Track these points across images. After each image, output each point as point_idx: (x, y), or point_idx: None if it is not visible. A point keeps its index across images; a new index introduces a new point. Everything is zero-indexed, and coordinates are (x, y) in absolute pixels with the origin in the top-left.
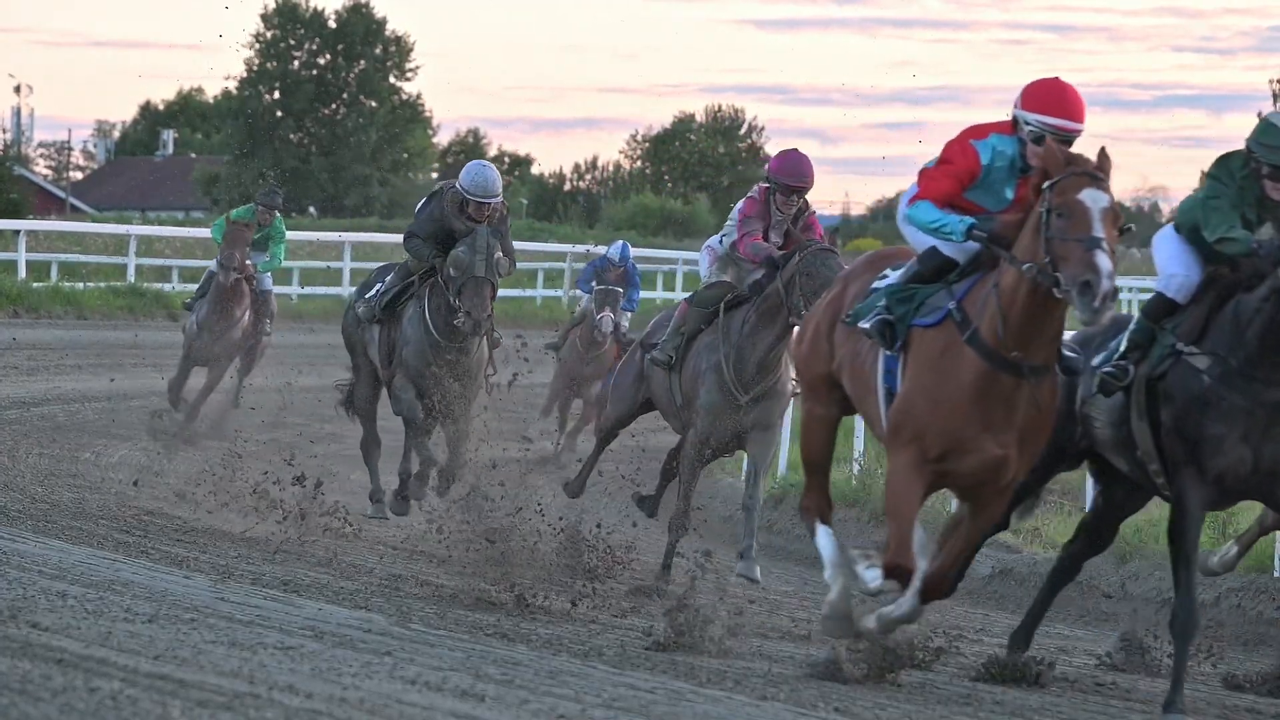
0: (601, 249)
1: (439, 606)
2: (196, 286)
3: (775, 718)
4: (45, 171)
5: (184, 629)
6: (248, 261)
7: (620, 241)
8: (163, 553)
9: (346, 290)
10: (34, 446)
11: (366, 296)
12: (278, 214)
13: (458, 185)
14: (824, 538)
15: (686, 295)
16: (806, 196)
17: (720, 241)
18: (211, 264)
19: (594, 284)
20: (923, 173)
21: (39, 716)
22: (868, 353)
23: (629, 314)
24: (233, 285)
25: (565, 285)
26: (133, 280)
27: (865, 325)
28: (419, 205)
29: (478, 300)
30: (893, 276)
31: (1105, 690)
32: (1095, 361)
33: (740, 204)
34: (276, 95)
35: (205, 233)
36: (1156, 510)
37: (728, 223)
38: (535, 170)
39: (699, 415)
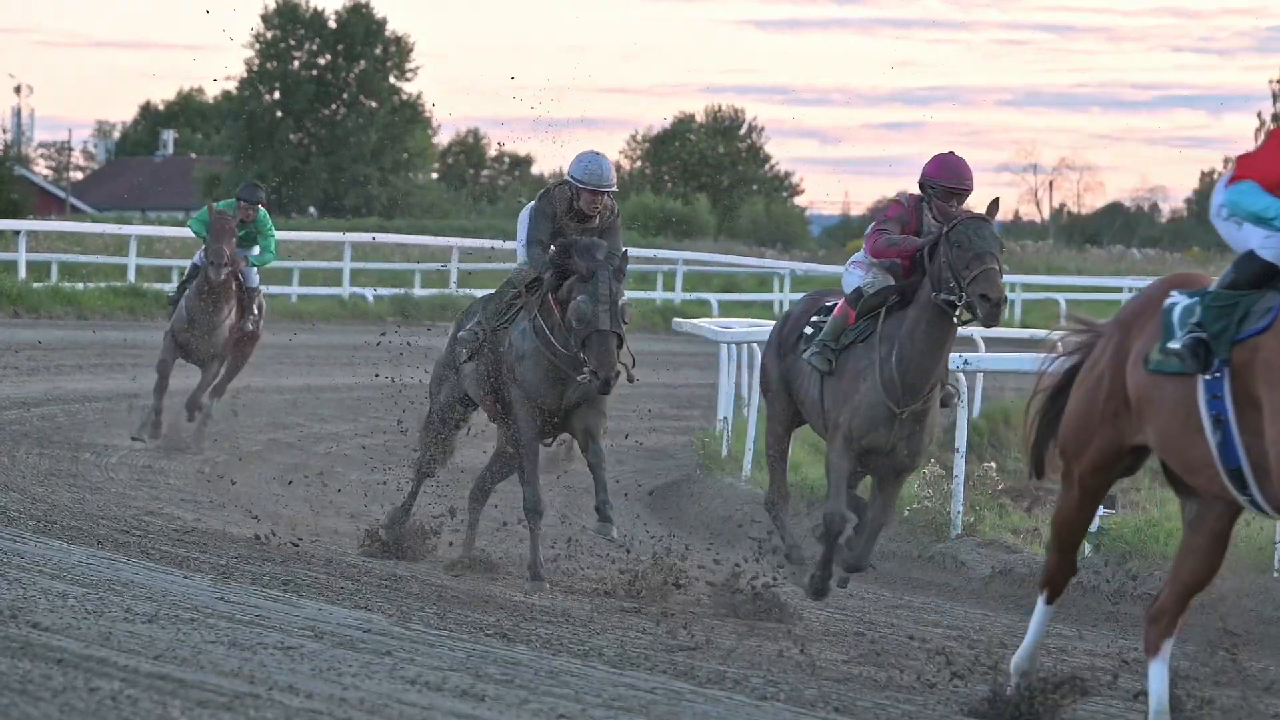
0: None
1: (439, 606)
2: (183, 279)
3: (775, 718)
4: (45, 171)
5: (184, 629)
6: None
7: None
8: (163, 553)
9: (347, 290)
10: (34, 446)
11: (468, 326)
12: (262, 209)
13: (568, 177)
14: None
15: (844, 294)
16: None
17: (865, 255)
18: (196, 257)
19: None
20: (1241, 158)
21: (39, 716)
22: (1180, 389)
23: None
24: (222, 280)
25: None
26: (133, 280)
27: (1175, 345)
28: (525, 211)
29: (604, 357)
30: (1184, 301)
31: (1105, 690)
32: None
33: (883, 211)
34: (276, 95)
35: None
36: (1156, 510)
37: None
38: (535, 170)
39: (853, 414)
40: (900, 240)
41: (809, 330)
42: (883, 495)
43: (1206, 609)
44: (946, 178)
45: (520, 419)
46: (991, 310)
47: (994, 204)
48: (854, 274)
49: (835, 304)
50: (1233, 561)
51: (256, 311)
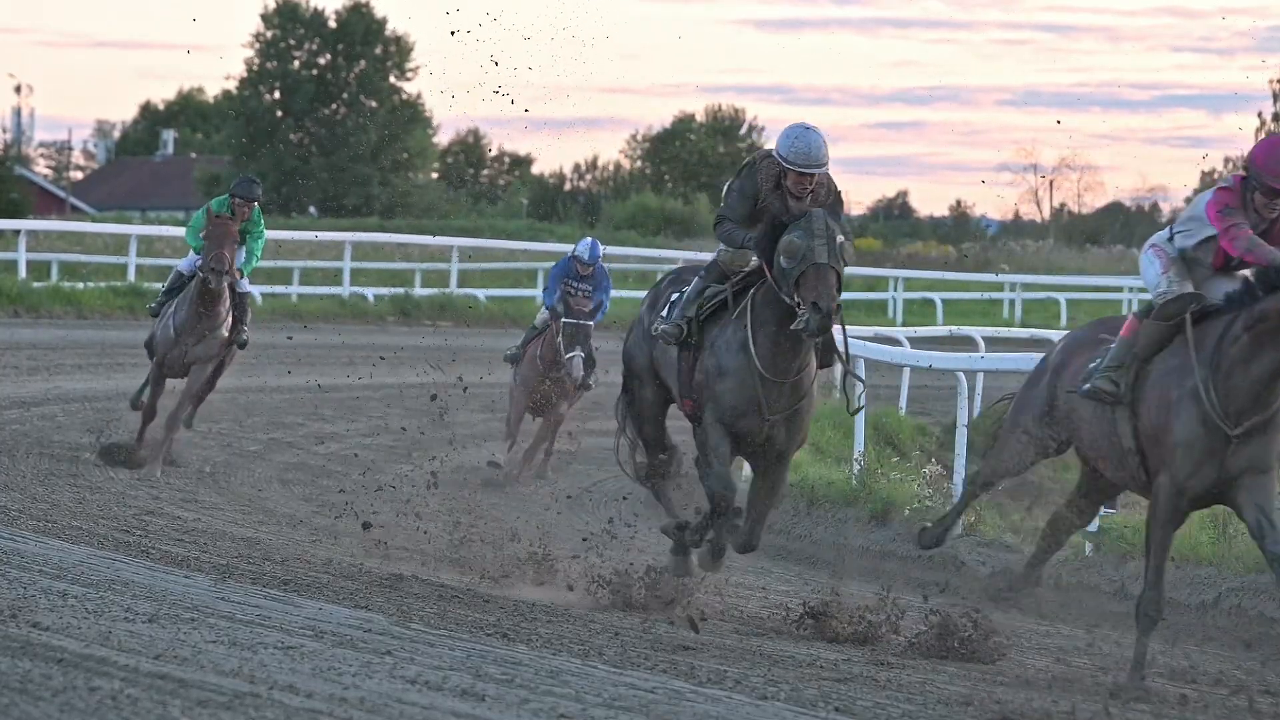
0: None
1: (439, 606)
2: (164, 287)
3: (775, 717)
4: (45, 171)
5: (184, 628)
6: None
7: (589, 239)
8: (163, 552)
9: (347, 290)
10: (34, 446)
11: (664, 314)
12: (256, 206)
13: (774, 153)
14: None
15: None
16: None
17: (1171, 240)
18: (181, 263)
19: (557, 297)
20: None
21: (39, 716)
22: None
23: (598, 319)
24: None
25: None
26: (133, 280)
27: None
28: (729, 183)
29: (823, 288)
30: None
31: (1105, 690)
32: None
33: (1209, 194)
34: (276, 95)
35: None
36: None
37: (1183, 216)
38: (535, 170)
39: (1175, 456)
40: (1264, 251)
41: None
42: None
43: (1206, 609)
44: (1273, 174)
45: (710, 439)
46: None
47: None
48: (1152, 265)
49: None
50: (1232, 561)
51: (245, 324)
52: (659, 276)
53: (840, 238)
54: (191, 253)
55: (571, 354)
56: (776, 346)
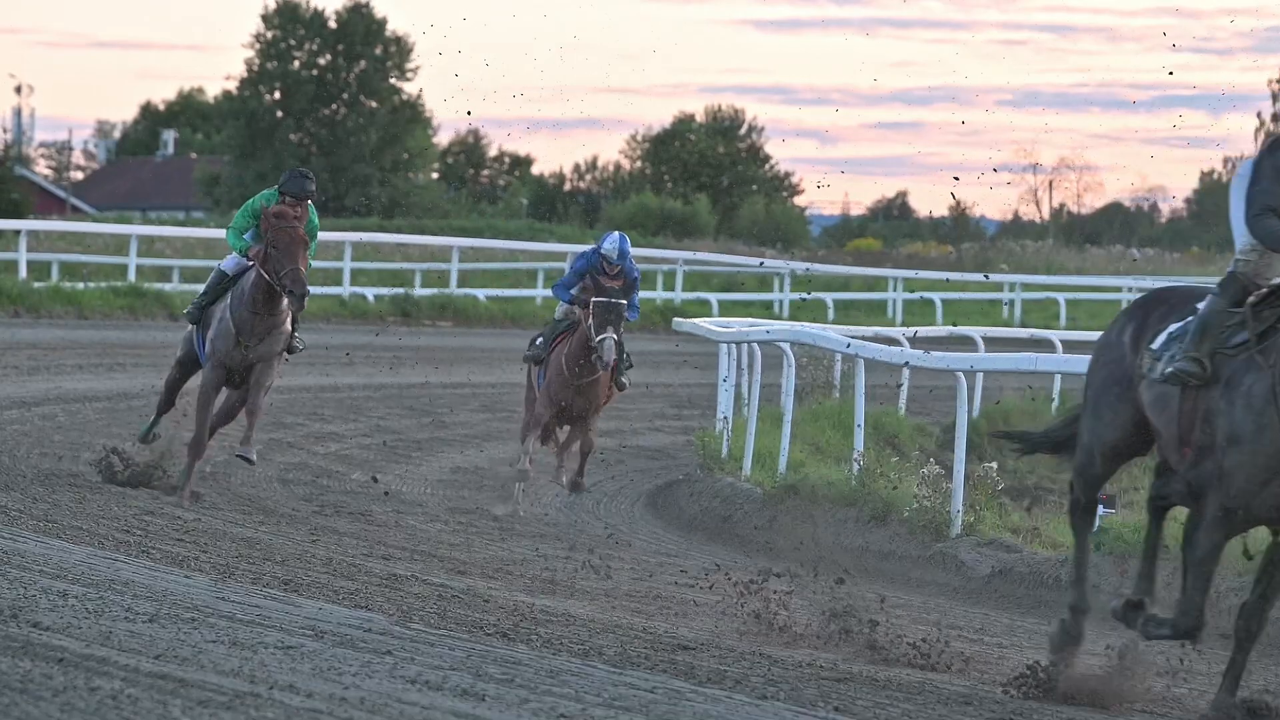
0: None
1: (439, 606)
2: (203, 289)
3: (775, 717)
4: (46, 171)
5: (185, 628)
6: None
7: (616, 233)
8: (163, 552)
9: (347, 290)
10: (34, 446)
11: (1157, 348)
12: (310, 204)
13: None
14: None
15: None
16: None
17: None
18: (224, 262)
19: (575, 291)
20: None
21: (40, 715)
22: None
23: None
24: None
25: None
26: (133, 280)
27: None
28: (1239, 175)
29: None
30: None
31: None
32: None
33: None
34: (277, 95)
35: (206, 233)
36: None
37: None
38: (535, 170)
39: None
40: None
41: None
42: None
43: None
44: None
45: (1209, 519)
46: None
47: None
48: None
49: None
50: (1232, 561)
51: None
52: (1132, 300)
53: None
54: (234, 254)
55: (603, 336)
56: None
